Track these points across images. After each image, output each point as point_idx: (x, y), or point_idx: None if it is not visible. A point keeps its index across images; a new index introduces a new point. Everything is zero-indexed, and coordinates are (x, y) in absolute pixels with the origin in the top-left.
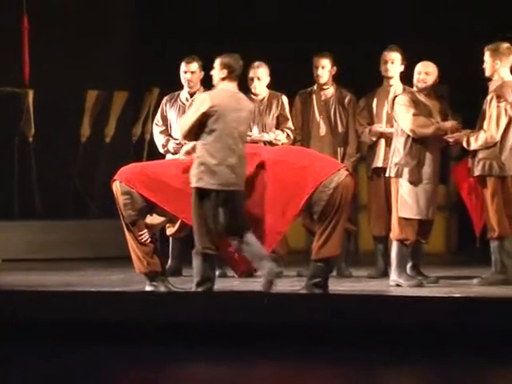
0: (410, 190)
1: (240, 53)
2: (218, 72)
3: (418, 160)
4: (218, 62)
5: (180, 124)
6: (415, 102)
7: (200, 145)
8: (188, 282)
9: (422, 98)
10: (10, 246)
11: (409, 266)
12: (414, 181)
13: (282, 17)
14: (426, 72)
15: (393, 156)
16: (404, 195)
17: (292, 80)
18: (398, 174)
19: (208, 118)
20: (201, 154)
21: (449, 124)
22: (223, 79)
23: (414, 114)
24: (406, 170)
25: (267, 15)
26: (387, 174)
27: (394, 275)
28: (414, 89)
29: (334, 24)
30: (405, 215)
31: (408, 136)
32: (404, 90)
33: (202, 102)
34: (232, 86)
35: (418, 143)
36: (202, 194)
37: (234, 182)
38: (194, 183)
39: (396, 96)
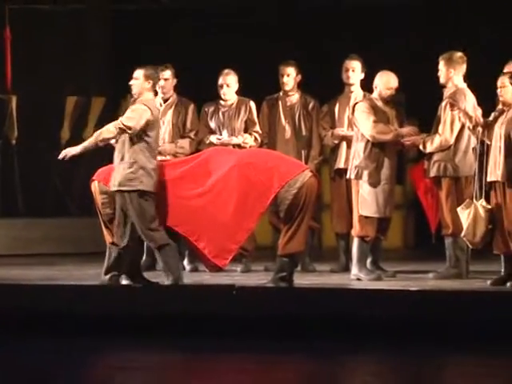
0: (369, 191)
1: (213, 59)
2: (142, 83)
3: (376, 163)
4: (141, 74)
5: (129, 115)
6: (374, 109)
7: (137, 149)
8: (161, 276)
9: (380, 104)
10: None
11: (369, 260)
12: (373, 182)
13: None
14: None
15: (353, 159)
16: (364, 195)
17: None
18: (358, 176)
19: (147, 125)
20: (138, 158)
21: (406, 130)
22: (148, 90)
23: (374, 121)
24: (365, 173)
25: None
26: (348, 176)
27: (354, 269)
28: (374, 95)
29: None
30: (365, 214)
31: (368, 141)
32: (364, 96)
33: (145, 110)
34: (152, 96)
35: (377, 147)
36: (142, 195)
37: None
38: (134, 186)
39: (356, 103)
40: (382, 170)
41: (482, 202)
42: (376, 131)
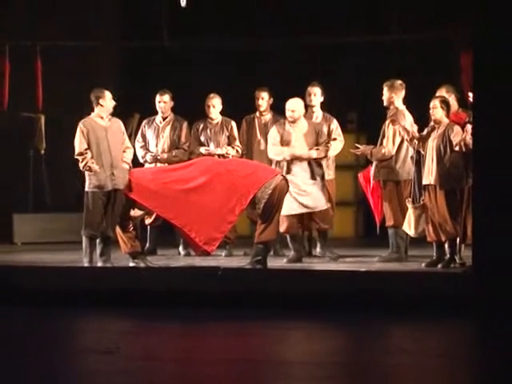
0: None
1: (202, 86)
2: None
3: (286, 173)
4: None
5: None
6: (281, 132)
7: None
8: (162, 259)
9: (288, 127)
10: (27, 232)
11: (319, 246)
12: None
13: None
14: (293, 110)
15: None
16: None
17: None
18: None
19: None
20: None
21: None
22: None
23: (273, 144)
24: None
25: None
26: None
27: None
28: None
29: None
30: (282, 213)
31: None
32: (323, 115)
33: None
34: None
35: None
36: None
37: None
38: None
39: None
40: (292, 179)
41: (411, 204)
42: (273, 153)
